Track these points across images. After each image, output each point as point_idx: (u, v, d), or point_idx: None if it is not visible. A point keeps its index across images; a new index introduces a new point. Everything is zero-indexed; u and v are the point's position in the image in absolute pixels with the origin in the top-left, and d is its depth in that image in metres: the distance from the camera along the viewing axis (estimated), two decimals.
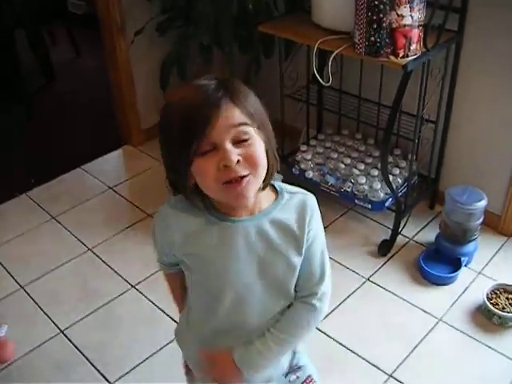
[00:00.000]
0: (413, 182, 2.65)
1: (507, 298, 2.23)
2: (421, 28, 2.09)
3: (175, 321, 2.25)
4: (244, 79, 3.07)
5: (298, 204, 1.18)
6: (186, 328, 1.36)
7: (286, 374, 1.37)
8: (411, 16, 2.03)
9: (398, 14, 2.02)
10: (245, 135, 1.05)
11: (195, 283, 1.25)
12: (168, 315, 2.29)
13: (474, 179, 2.56)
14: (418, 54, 2.14)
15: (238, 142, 1.04)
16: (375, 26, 2.06)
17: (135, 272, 2.52)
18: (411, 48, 2.10)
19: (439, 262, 2.46)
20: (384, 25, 2.05)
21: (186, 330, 1.36)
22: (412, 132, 2.46)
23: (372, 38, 2.10)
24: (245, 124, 1.04)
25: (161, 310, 2.33)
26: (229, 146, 1.03)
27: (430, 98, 2.44)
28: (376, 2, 2.02)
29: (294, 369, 1.38)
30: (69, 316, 2.33)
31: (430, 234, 2.65)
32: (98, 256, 2.63)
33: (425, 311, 2.29)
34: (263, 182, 1.11)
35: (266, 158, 1.09)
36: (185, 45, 2.95)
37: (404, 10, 2.01)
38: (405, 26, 2.04)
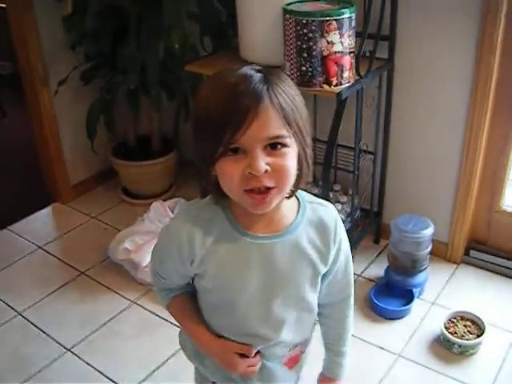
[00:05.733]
0: (356, 216, 2.57)
1: (465, 326, 2.15)
2: (352, 55, 2.06)
3: (115, 382, 2.08)
4: (173, 127, 2.97)
5: (319, 219, 1.14)
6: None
7: None
8: (341, 42, 2.00)
9: (327, 41, 1.98)
10: (278, 144, 0.97)
11: (212, 304, 1.17)
12: (107, 377, 2.10)
13: (417, 209, 2.51)
14: (352, 82, 2.10)
15: (270, 148, 0.97)
16: (305, 55, 2.01)
17: (70, 334, 2.31)
18: (344, 76, 2.06)
19: (391, 296, 2.37)
20: (314, 53, 2.00)
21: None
22: (351, 165, 2.40)
23: (303, 68, 2.04)
24: (281, 137, 0.97)
25: (100, 372, 2.13)
26: (259, 152, 0.96)
27: (366, 128, 2.39)
28: (305, 30, 1.98)
29: None
30: None
31: (378, 269, 2.56)
32: (28, 320, 2.40)
33: (382, 348, 2.17)
34: (290, 190, 1.05)
35: (295, 169, 1.01)
36: (111, 93, 2.85)
37: (334, 37, 1.98)
38: (336, 52, 2.00)
